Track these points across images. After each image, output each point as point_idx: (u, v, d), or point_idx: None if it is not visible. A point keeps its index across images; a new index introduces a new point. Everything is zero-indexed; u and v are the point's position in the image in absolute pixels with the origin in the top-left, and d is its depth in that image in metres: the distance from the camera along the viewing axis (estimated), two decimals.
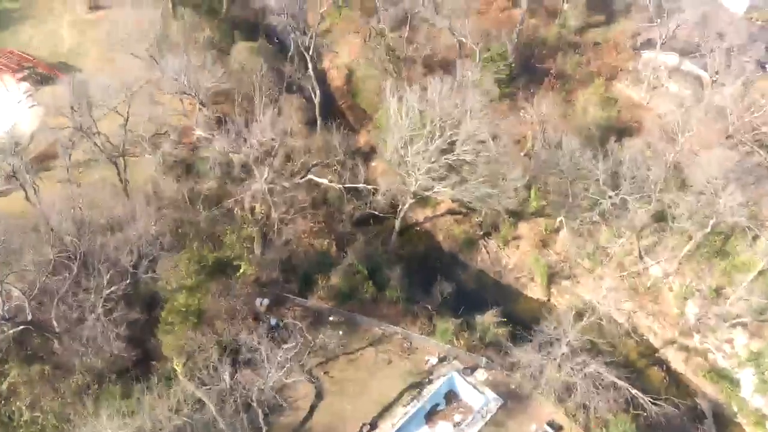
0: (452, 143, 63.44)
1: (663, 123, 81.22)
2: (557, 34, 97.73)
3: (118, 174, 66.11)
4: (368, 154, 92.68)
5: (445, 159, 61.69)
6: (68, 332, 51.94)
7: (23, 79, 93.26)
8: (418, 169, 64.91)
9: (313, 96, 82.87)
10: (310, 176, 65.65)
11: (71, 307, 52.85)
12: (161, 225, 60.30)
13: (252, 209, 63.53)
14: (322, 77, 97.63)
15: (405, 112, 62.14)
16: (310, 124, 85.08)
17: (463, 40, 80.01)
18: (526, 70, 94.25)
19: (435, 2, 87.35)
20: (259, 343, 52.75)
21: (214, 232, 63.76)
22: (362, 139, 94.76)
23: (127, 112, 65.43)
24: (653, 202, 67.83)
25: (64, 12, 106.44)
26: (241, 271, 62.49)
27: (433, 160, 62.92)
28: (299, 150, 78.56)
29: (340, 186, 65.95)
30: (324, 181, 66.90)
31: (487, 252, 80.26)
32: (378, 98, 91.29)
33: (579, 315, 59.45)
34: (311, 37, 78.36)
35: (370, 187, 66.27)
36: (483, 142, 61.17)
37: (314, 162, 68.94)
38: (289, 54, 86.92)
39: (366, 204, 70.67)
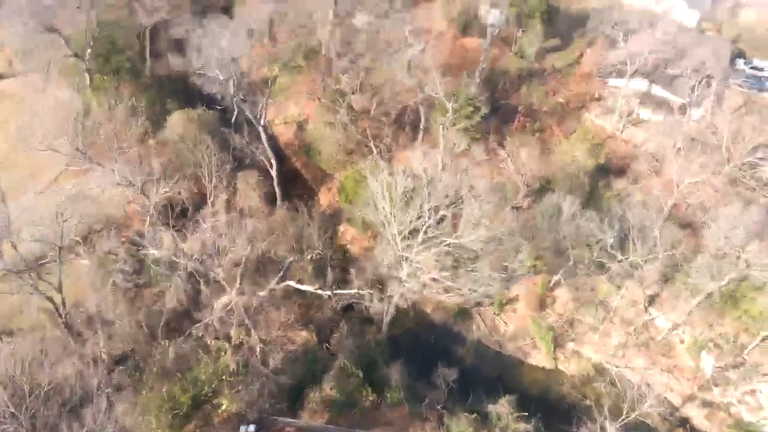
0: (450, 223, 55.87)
1: (646, 157, 77.01)
2: (517, 63, 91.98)
3: (56, 310, 54.56)
4: (333, 217, 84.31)
5: (445, 247, 53.72)
6: None
7: None
8: (410, 261, 56.90)
9: (269, 168, 73.29)
10: (289, 282, 56.55)
11: None
12: (118, 373, 49.79)
13: (227, 335, 53.96)
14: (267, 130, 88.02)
15: (391, 198, 53.99)
16: (268, 197, 75.51)
17: (433, 94, 72.60)
18: (492, 107, 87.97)
19: (395, 55, 79.31)
20: None
21: (182, 367, 53.60)
22: (324, 200, 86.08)
23: (59, 246, 53.50)
24: (661, 256, 62.86)
25: None
26: (223, 407, 52.97)
27: (432, 251, 54.86)
28: (262, 232, 69.47)
29: (329, 293, 56.81)
30: (309, 288, 57.81)
31: (483, 320, 73.53)
32: (338, 158, 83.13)
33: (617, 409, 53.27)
34: (261, 109, 68.75)
35: (364, 292, 57.44)
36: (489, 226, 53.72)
37: (290, 259, 59.63)
38: (233, 119, 76.87)
39: (353, 297, 61.71)
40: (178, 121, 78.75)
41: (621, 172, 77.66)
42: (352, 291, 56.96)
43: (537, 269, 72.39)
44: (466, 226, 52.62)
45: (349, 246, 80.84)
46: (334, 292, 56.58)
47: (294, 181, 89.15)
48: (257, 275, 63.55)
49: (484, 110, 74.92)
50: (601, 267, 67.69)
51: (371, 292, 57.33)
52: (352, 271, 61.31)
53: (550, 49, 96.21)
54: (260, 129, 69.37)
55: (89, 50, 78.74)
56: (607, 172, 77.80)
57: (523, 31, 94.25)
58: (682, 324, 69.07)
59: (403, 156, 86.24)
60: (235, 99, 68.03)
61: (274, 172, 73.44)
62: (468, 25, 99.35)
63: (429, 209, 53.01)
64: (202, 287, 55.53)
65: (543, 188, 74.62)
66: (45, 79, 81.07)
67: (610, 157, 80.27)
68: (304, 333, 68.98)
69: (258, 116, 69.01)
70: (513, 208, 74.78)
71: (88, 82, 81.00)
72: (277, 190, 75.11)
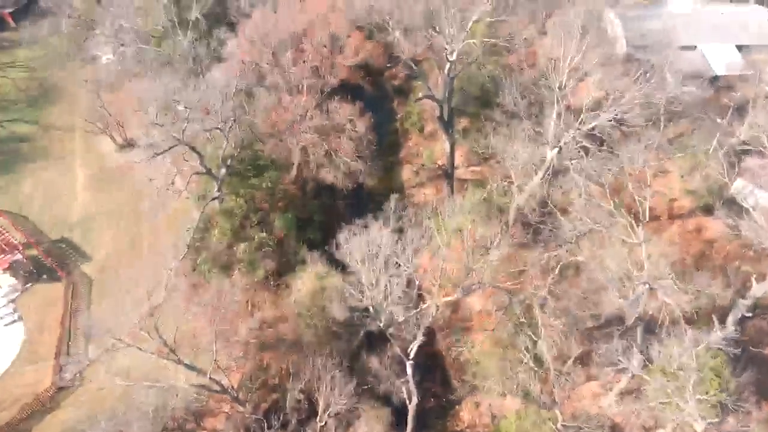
0: None
1: None
2: None
3: None
4: None
5: None
6: None
7: (9, 268, 67.45)
8: None
9: (407, 401, 52.78)
10: None
11: None
12: None
13: None
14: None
15: None
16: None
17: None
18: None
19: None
20: None
21: None
22: (468, 416, 64.06)
23: None
24: None
25: (86, 152, 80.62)
26: None
27: None
28: None
29: None
30: None
31: None
32: (501, 379, 60.60)
33: None
34: (414, 343, 48.10)
35: None
36: None
37: None
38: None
39: None
40: (307, 287, 60.24)
41: None
42: None
43: None
44: None
45: None
46: None
47: (433, 367, 68.53)
48: None
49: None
50: None
51: None
52: None
53: None
54: (408, 364, 48.94)
55: (224, 170, 62.54)
56: None
57: None
58: None
59: (587, 393, 62.43)
60: (383, 326, 48.06)
61: (411, 407, 52.86)
62: (715, 202, 72.50)
63: None
64: None
65: None
66: (169, 186, 65.75)
67: None
68: None
69: (408, 350, 48.63)
70: None
71: (217, 203, 64.81)
72: (410, 424, 54.53)
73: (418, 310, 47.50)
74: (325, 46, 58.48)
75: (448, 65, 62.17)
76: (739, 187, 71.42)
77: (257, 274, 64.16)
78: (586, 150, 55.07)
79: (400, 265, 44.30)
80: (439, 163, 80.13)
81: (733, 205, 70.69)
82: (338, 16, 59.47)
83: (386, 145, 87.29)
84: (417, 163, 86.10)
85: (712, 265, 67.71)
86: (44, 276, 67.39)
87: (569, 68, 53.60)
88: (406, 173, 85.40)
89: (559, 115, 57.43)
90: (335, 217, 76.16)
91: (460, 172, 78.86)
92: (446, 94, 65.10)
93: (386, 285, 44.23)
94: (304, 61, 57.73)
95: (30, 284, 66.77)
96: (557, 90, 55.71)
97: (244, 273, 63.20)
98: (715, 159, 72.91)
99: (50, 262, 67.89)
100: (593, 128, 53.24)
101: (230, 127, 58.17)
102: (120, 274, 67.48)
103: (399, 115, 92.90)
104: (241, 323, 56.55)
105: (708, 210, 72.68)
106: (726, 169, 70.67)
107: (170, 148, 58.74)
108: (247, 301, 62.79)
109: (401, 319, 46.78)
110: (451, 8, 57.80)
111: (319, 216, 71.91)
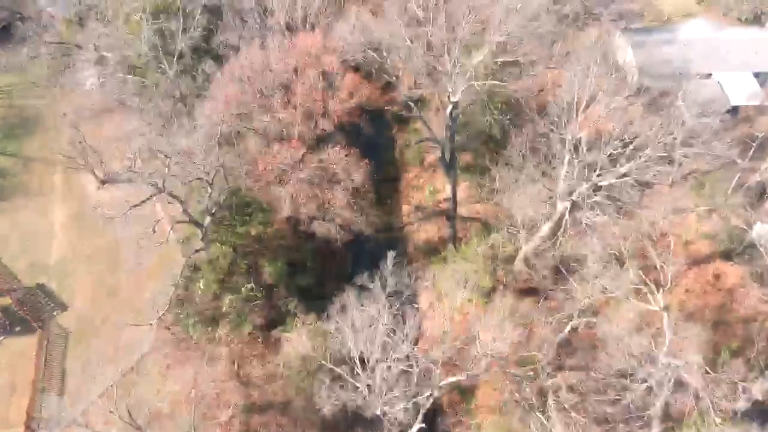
0: None
1: None
2: None
3: None
4: None
5: None
6: None
7: None
8: None
9: None
10: None
11: None
12: None
13: None
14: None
15: None
16: None
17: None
18: None
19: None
20: None
21: None
22: None
23: None
24: None
25: (66, 188, 75.82)
26: None
27: None
28: None
29: None
30: None
31: None
32: None
33: None
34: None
35: None
36: None
37: None
38: None
39: None
40: (297, 347, 55.84)
41: None
42: None
43: None
44: None
45: None
46: None
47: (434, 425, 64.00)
48: None
49: None
50: None
51: None
52: None
53: None
54: None
55: (209, 218, 58.12)
56: None
57: None
58: None
59: None
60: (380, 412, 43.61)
61: None
62: (735, 247, 67.95)
63: None
64: None
65: None
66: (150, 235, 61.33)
67: None
68: None
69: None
70: None
71: (204, 255, 60.26)
72: None
73: (417, 399, 43.12)
74: (317, 88, 54.07)
75: (450, 107, 57.73)
76: (760, 232, 66.91)
77: (245, 328, 59.86)
78: (601, 206, 50.65)
79: (396, 359, 39.88)
80: (441, 199, 75.83)
81: (755, 251, 66.42)
82: (331, 57, 55.10)
83: (385, 175, 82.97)
84: (417, 197, 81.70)
85: (733, 317, 63.59)
86: (17, 328, 62.95)
87: (582, 118, 49.22)
88: (406, 208, 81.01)
89: (570, 163, 52.98)
90: (330, 257, 72.12)
91: (464, 210, 74.35)
92: (447, 135, 60.67)
93: (382, 375, 39.86)
94: (294, 107, 53.19)
95: (2, 338, 62.39)
96: (569, 139, 51.29)
97: (230, 328, 58.96)
98: (735, 200, 68.84)
99: (24, 312, 63.42)
100: (610, 185, 48.88)
101: (214, 175, 53.77)
102: (99, 326, 63.17)
103: (398, 142, 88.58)
104: (226, 395, 52.21)
105: (727, 255, 68.21)
106: (748, 212, 66.50)
107: (150, 197, 54.42)
108: (233, 361, 58.36)
109: (398, 410, 42.41)
110: (453, 48, 53.33)
111: (313, 263, 67.06)
